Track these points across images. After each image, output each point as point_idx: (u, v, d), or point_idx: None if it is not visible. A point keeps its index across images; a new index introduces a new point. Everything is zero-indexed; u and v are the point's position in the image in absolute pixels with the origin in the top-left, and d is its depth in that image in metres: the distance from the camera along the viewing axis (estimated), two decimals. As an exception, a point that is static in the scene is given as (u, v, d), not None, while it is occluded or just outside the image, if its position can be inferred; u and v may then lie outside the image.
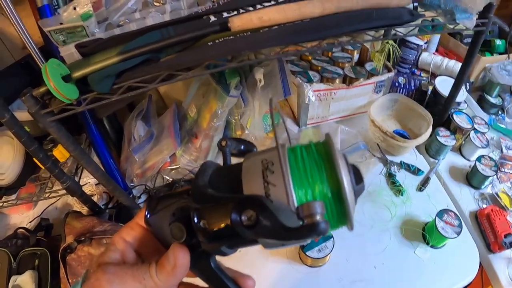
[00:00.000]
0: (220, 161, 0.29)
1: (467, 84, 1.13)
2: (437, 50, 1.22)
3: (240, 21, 0.55)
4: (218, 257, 0.27)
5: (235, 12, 0.59)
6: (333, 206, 0.22)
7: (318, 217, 0.20)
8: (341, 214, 0.22)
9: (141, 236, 0.28)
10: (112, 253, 0.27)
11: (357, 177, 0.23)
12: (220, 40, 0.56)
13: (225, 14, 0.59)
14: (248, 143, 0.32)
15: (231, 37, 0.56)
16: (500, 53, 1.19)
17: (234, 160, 0.29)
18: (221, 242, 0.24)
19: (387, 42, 0.85)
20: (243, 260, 0.78)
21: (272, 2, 0.61)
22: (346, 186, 0.21)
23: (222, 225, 0.23)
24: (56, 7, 0.75)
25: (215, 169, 0.28)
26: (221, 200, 0.24)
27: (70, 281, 0.73)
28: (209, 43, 0.57)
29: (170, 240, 0.25)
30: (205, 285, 0.27)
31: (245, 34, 0.56)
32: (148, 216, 0.27)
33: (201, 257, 0.26)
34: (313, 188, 0.22)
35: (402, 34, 0.70)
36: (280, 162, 0.22)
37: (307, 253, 0.73)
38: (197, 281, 0.28)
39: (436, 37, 1.18)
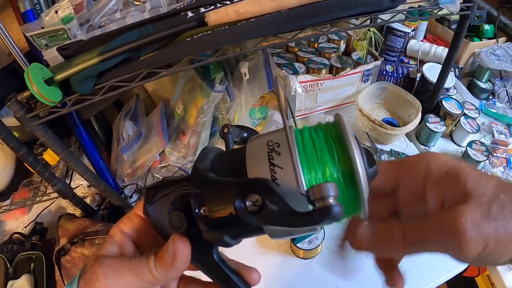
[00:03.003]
0: None
1: (457, 70, 1.13)
2: (425, 37, 1.21)
3: (216, 16, 0.55)
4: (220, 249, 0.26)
5: (212, 7, 0.59)
6: (345, 190, 0.21)
7: (331, 200, 0.18)
8: (353, 200, 0.21)
9: (140, 228, 0.27)
10: (110, 246, 0.26)
11: (370, 159, 0.22)
12: (198, 35, 0.57)
13: (202, 9, 0.59)
14: (251, 130, 0.30)
15: (208, 32, 0.57)
16: (489, 38, 1.18)
17: None
18: (224, 231, 0.23)
19: (369, 29, 0.84)
20: (235, 254, 0.78)
21: (249, -5, 0.61)
22: (360, 169, 0.20)
23: (225, 211, 0.21)
24: (39, 11, 0.76)
25: (217, 154, 0.26)
26: (223, 184, 0.22)
27: (65, 282, 0.73)
28: (187, 39, 0.57)
29: (170, 231, 0.24)
30: (208, 279, 0.26)
31: (222, 28, 0.56)
32: (147, 206, 0.26)
33: (203, 249, 0.24)
34: (324, 170, 0.21)
35: (385, 21, 0.70)
36: (288, 143, 0.20)
37: (298, 245, 0.73)
38: (199, 274, 0.27)
39: (424, 24, 1.18)
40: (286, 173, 0.21)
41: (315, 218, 0.18)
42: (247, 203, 0.20)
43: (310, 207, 0.19)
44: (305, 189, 0.19)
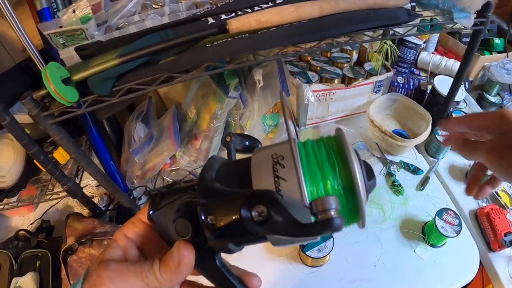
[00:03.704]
0: None
1: (466, 83, 1.13)
2: (436, 50, 1.22)
3: (238, 23, 0.55)
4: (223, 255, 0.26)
5: (233, 14, 0.60)
6: (345, 202, 0.22)
7: (332, 213, 0.19)
8: (352, 211, 0.22)
9: (143, 233, 0.28)
10: (114, 250, 0.26)
11: (369, 173, 0.23)
12: (218, 42, 0.57)
13: (223, 16, 0.59)
14: (253, 139, 0.31)
15: (229, 39, 0.57)
16: (499, 52, 1.18)
17: (238, 157, 0.29)
18: (229, 239, 0.24)
19: (385, 42, 0.85)
20: (242, 260, 0.77)
21: (270, 4, 0.61)
22: (359, 182, 0.21)
23: (231, 221, 0.22)
24: (56, 10, 0.76)
25: (222, 164, 0.27)
26: (230, 195, 0.23)
27: (71, 282, 0.73)
28: (207, 45, 0.57)
29: (174, 237, 0.24)
30: (209, 283, 0.26)
31: (243, 36, 0.57)
32: (151, 212, 0.26)
33: (206, 255, 0.25)
34: (325, 183, 0.22)
35: (400, 34, 0.70)
36: (292, 156, 0.21)
37: (307, 253, 0.73)
38: (200, 279, 0.27)
39: (435, 37, 1.18)
40: (290, 185, 0.21)
41: (317, 229, 0.19)
42: (253, 214, 0.21)
43: (312, 218, 0.20)
44: (308, 201, 0.20)
